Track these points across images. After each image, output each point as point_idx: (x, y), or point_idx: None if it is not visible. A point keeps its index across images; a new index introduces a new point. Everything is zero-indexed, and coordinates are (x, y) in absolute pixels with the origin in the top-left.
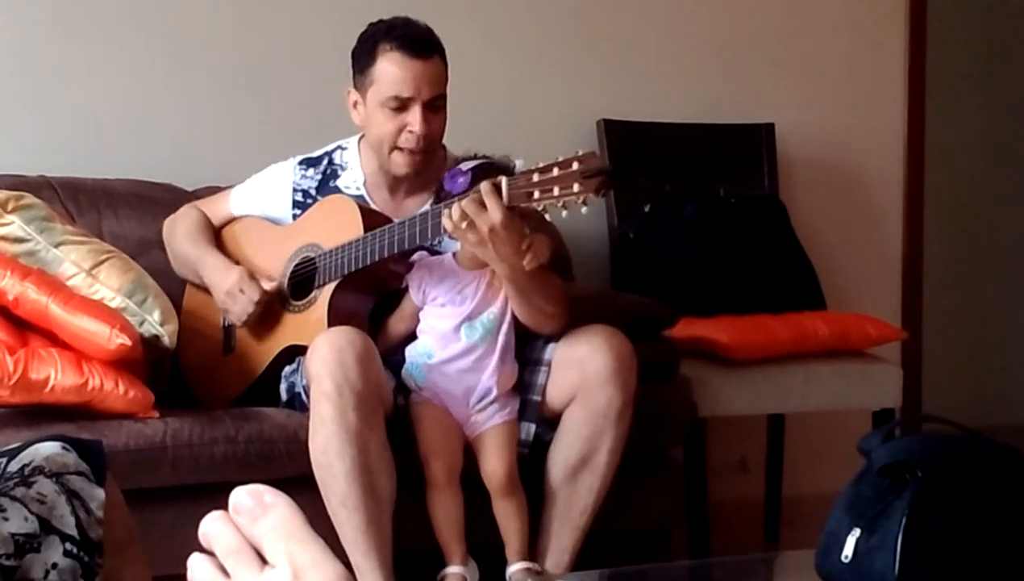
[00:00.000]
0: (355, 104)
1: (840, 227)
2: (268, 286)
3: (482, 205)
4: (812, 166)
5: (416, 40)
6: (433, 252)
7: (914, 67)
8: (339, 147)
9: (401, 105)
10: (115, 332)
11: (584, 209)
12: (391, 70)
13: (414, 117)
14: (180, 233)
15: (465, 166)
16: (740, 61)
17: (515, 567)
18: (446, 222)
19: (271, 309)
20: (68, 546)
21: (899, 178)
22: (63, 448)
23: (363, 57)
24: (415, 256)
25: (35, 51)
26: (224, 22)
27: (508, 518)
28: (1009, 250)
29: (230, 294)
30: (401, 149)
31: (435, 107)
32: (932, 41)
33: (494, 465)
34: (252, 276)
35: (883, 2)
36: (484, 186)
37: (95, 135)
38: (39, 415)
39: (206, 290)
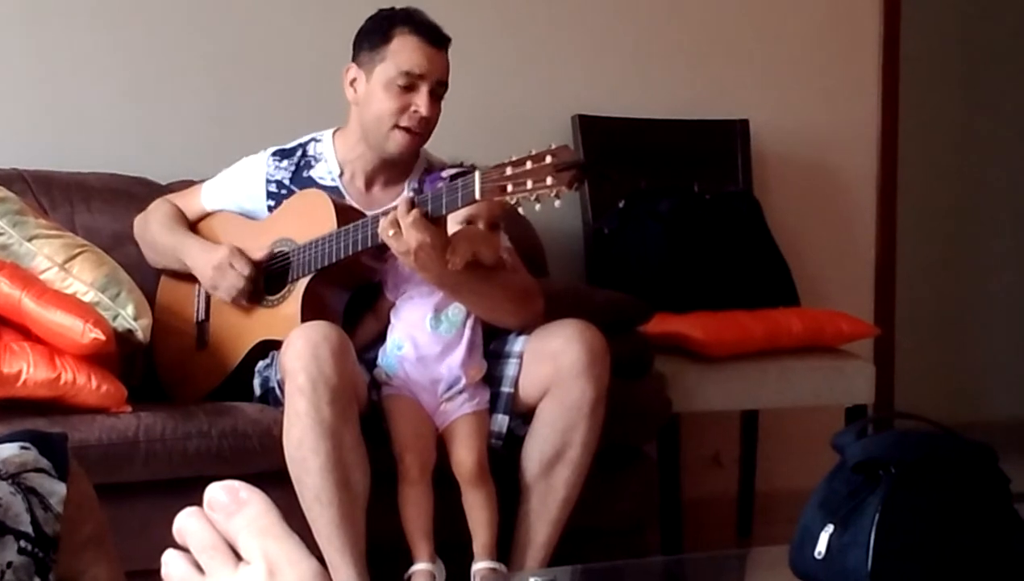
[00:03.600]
0: (353, 81)
1: (814, 224)
2: (258, 256)
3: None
4: (786, 163)
5: (433, 29)
6: None
7: (888, 64)
8: (313, 139)
9: (409, 84)
10: (88, 327)
11: (557, 202)
12: (406, 50)
13: (421, 98)
14: (154, 224)
15: (446, 173)
16: (715, 57)
17: (480, 565)
18: (380, 225)
19: (245, 304)
20: (23, 544)
21: (873, 175)
22: (21, 448)
23: (375, 36)
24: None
25: (7, 44)
26: (198, 15)
27: (477, 510)
28: (981, 247)
29: (219, 268)
30: (401, 128)
31: (438, 95)
32: (906, 38)
33: (463, 455)
34: (241, 251)
35: None
36: (401, 207)
37: (68, 128)
38: (11, 409)
39: (180, 283)
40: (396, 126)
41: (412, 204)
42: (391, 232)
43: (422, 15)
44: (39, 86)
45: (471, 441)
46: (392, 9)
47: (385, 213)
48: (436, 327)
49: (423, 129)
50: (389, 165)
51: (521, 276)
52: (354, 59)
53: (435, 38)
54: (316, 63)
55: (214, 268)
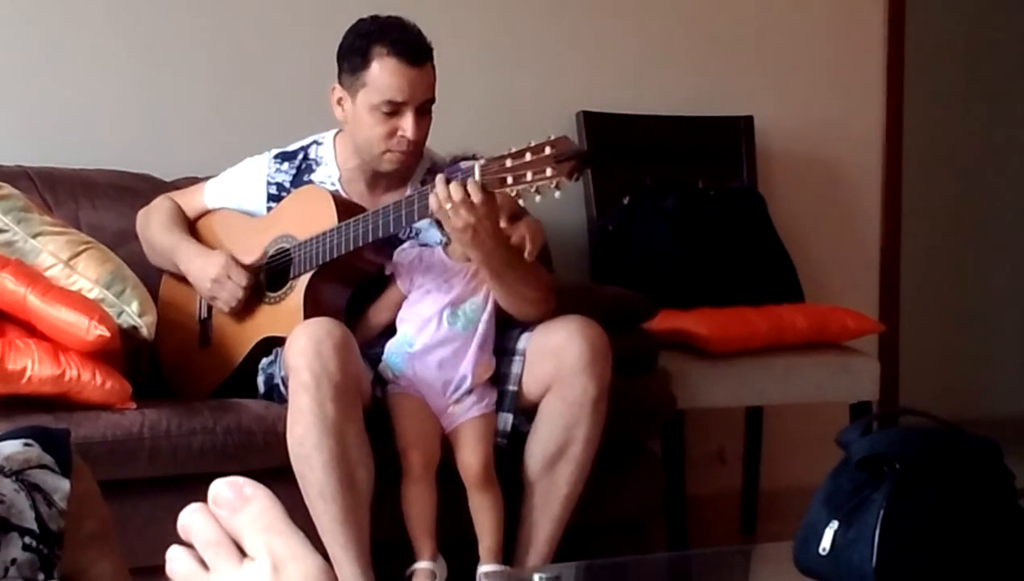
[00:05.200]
0: (340, 101)
1: (819, 220)
2: (249, 260)
3: (467, 192)
4: (791, 159)
5: (412, 47)
6: (418, 244)
7: (893, 60)
8: (315, 142)
9: (393, 110)
10: (93, 323)
11: (557, 194)
12: (386, 76)
13: (407, 122)
14: (154, 223)
15: (465, 165)
16: (720, 54)
17: (487, 568)
18: (432, 201)
19: (247, 301)
20: (27, 540)
21: (877, 171)
22: (24, 445)
23: (354, 57)
24: (406, 249)
25: (11, 41)
26: (203, 12)
27: (483, 513)
28: (987, 243)
29: (218, 281)
30: (391, 151)
31: (425, 111)
32: (911, 34)
33: (470, 458)
34: (236, 261)
35: None
36: (471, 181)
37: (72, 125)
38: (15, 406)
39: (182, 281)
40: (387, 150)
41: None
42: (448, 206)
43: (399, 30)
44: (44, 83)
45: (478, 445)
46: (371, 21)
47: (385, 209)
48: (453, 323)
49: (413, 149)
50: (390, 173)
51: (540, 266)
52: (338, 78)
53: (414, 56)
54: (319, 61)
55: (212, 281)
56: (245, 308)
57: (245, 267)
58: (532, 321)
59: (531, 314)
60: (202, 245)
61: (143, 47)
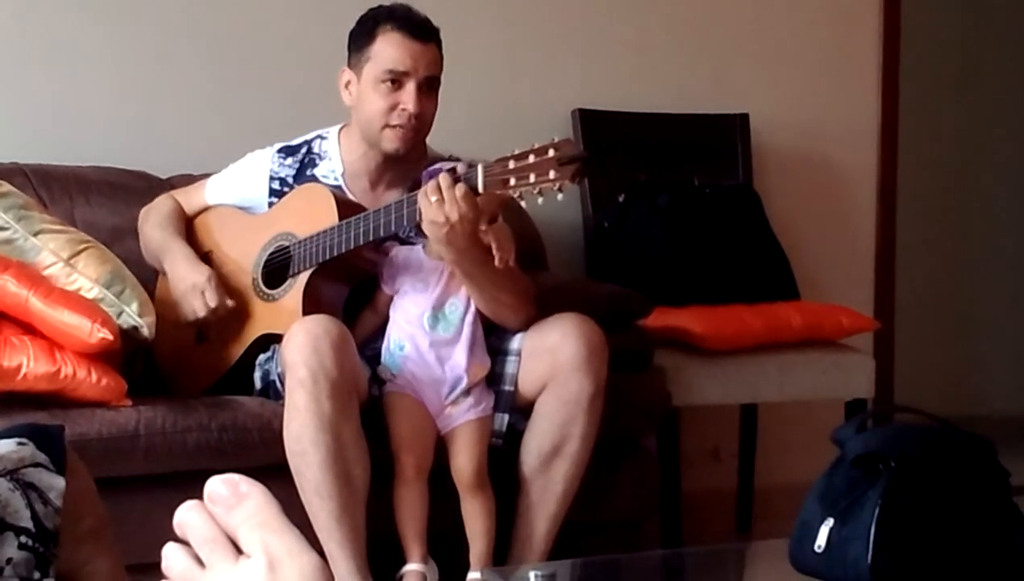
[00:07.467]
0: (347, 84)
1: (814, 217)
2: (230, 303)
3: (452, 188)
4: (786, 156)
5: (416, 24)
6: (404, 243)
7: (888, 58)
8: (319, 136)
9: (396, 82)
10: (96, 326)
11: (560, 196)
12: (389, 48)
13: (408, 96)
14: (151, 220)
15: (447, 165)
16: (715, 51)
17: (475, 575)
18: (420, 194)
19: (245, 298)
20: (23, 539)
21: (872, 168)
22: (19, 443)
23: (362, 37)
24: (392, 249)
25: (6, 37)
26: (197, 8)
27: (474, 518)
28: (981, 241)
29: (194, 290)
30: (392, 126)
31: (429, 89)
32: (906, 32)
33: (463, 462)
34: (219, 285)
35: None
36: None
37: (67, 122)
38: (11, 403)
39: None
40: (387, 125)
41: (456, 178)
42: (434, 198)
43: (406, 10)
44: (39, 80)
45: (471, 449)
46: (380, 7)
47: (386, 208)
48: (434, 326)
49: (415, 125)
50: (393, 164)
51: (519, 273)
52: (347, 62)
53: (418, 32)
54: (316, 56)
55: (190, 287)
56: (243, 305)
57: (224, 299)
58: (510, 326)
59: (508, 319)
60: (193, 252)
61: (137, 44)
